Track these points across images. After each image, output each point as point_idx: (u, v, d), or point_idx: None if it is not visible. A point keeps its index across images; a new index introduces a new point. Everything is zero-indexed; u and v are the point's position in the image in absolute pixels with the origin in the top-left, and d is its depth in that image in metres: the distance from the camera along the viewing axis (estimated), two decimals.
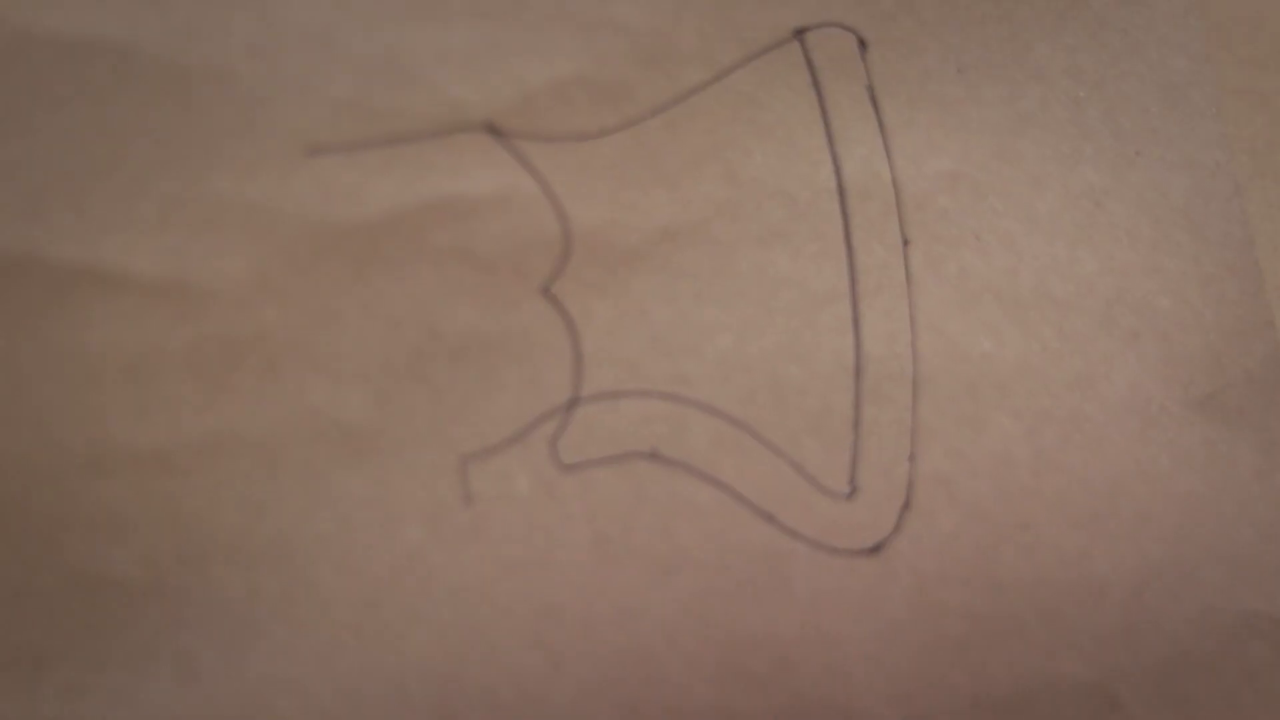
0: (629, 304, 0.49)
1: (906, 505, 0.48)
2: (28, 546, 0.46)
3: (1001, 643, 0.48)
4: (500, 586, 0.48)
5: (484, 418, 0.48)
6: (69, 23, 0.46)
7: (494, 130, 0.48)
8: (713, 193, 0.49)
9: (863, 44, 0.49)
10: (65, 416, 0.46)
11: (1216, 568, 0.48)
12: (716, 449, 0.49)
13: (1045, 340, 0.49)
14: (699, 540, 0.48)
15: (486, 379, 0.48)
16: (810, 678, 0.48)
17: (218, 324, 0.47)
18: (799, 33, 0.49)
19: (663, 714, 0.48)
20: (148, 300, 0.46)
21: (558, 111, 0.49)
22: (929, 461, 0.49)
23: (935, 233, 0.49)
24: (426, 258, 0.48)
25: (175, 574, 0.47)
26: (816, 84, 0.49)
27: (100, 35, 0.46)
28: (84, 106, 0.46)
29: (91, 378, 0.46)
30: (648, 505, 0.48)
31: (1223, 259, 0.49)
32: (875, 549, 0.48)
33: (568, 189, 0.49)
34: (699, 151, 0.49)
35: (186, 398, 0.47)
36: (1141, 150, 0.49)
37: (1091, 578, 0.48)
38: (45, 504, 0.46)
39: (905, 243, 0.49)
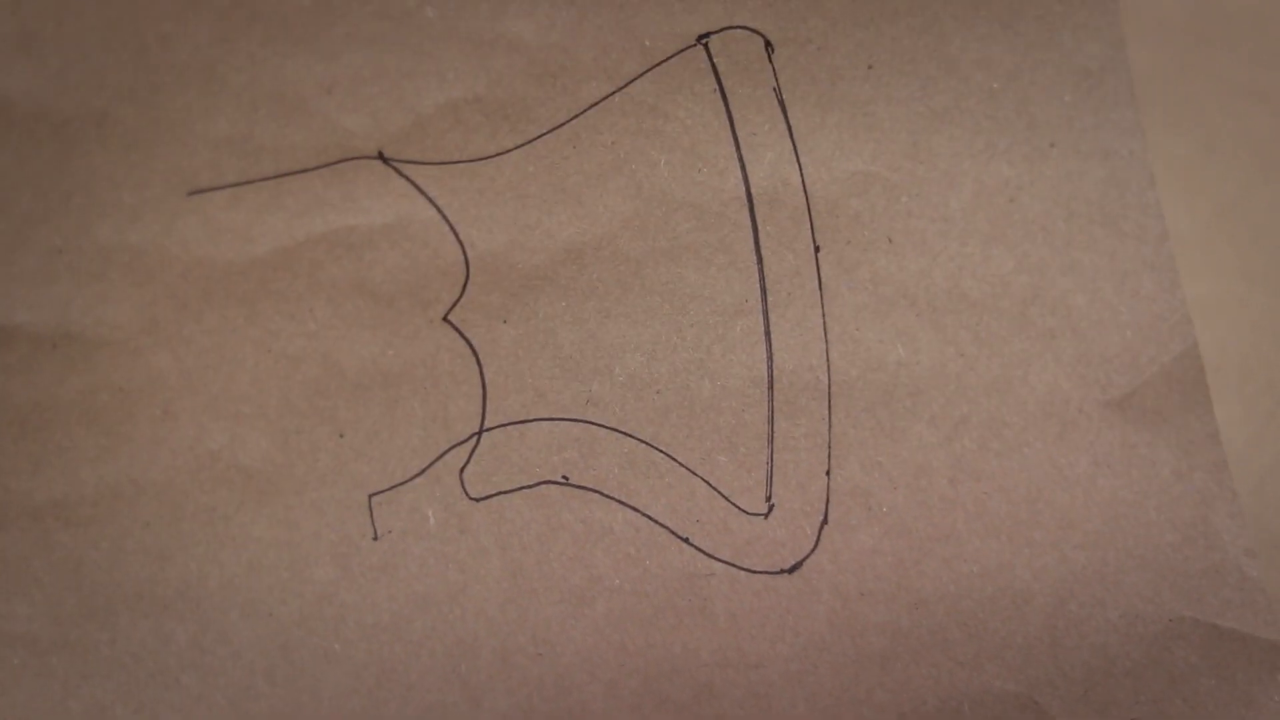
0: (534, 328, 0.48)
1: (825, 521, 0.48)
2: None
3: (925, 657, 0.48)
4: (414, 623, 0.48)
5: (389, 453, 0.48)
6: None
7: (386, 158, 0.47)
8: (618, 207, 0.48)
9: (769, 45, 0.48)
10: None
11: (1140, 573, 0.47)
12: (629, 473, 0.48)
13: (961, 345, 0.48)
14: (615, 567, 0.48)
15: (390, 413, 0.48)
16: (733, 702, 0.48)
17: (109, 372, 0.46)
18: (703, 38, 0.48)
19: None
20: (36, 352, 0.45)
21: (452, 134, 0.48)
22: (846, 475, 0.48)
23: (847, 237, 0.48)
24: (321, 292, 0.47)
25: (81, 627, 0.47)
26: (722, 90, 0.48)
27: None
28: None
29: None
30: (561, 534, 0.48)
31: (1139, 254, 0.48)
32: (794, 568, 0.48)
33: (465, 213, 0.48)
34: (602, 166, 0.48)
35: (82, 448, 0.46)
36: (1056, 141, 0.48)
37: (1014, 588, 0.48)
38: None
39: (816, 249, 0.48)
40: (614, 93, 0.48)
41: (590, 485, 0.48)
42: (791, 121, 0.48)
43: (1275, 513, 0.49)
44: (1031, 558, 0.47)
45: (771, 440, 0.48)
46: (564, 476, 0.48)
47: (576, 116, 0.48)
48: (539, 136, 0.48)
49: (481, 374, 0.48)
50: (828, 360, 0.48)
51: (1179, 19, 0.49)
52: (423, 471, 0.48)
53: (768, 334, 0.48)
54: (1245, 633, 0.47)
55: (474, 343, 0.48)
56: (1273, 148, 0.49)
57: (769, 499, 0.48)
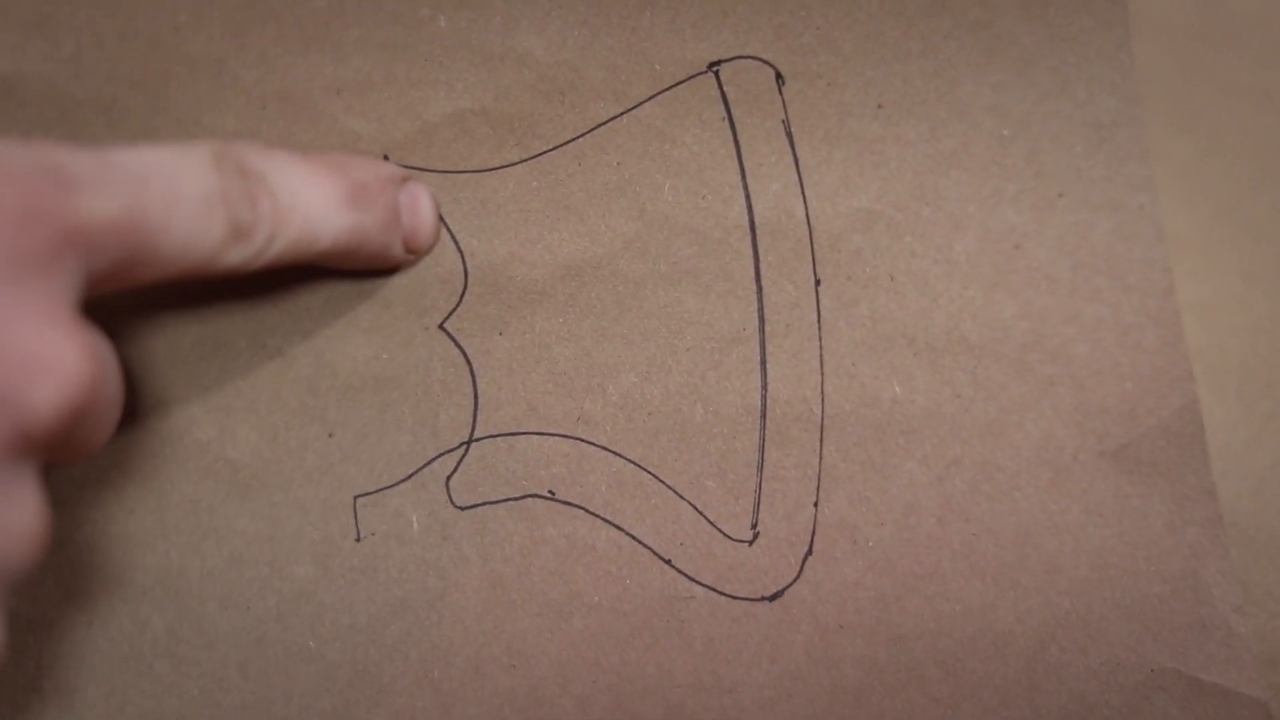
0: (529, 341, 0.48)
1: (809, 552, 0.47)
2: None
3: (900, 693, 0.47)
4: (390, 627, 0.47)
5: (377, 456, 0.48)
6: None
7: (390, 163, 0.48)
8: (620, 228, 0.48)
9: (780, 78, 0.48)
10: None
11: (1125, 623, 0.47)
12: (616, 491, 0.48)
13: (958, 386, 0.47)
14: (595, 584, 0.48)
15: (380, 416, 0.48)
16: None
17: None
18: (714, 65, 0.48)
19: None
20: None
21: (457, 144, 0.48)
22: (834, 507, 0.48)
23: (848, 273, 0.48)
24: (319, 292, 0.47)
25: (60, 607, 0.47)
26: (730, 118, 0.48)
27: None
28: None
29: None
30: (543, 548, 0.48)
31: (1143, 307, 0.47)
32: (775, 596, 0.48)
33: (467, 223, 0.48)
34: (606, 186, 0.48)
35: None
36: (1065, 191, 0.48)
37: (995, 629, 0.47)
38: None
39: (817, 283, 0.48)
40: (622, 114, 0.48)
41: (576, 501, 0.48)
42: (798, 154, 0.48)
43: (1275, 513, 0.48)
44: (1016, 600, 0.47)
45: (761, 468, 0.48)
46: (550, 491, 0.48)
47: (583, 135, 0.48)
48: (544, 152, 0.48)
49: (474, 384, 0.48)
50: (822, 393, 0.48)
51: (1180, 19, 0.49)
52: (409, 477, 0.48)
53: (763, 363, 0.48)
54: (1227, 688, 0.46)
55: (468, 352, 0.48)
56: (1274, 149, 0.49)
57: (754, 526, 0.48)
